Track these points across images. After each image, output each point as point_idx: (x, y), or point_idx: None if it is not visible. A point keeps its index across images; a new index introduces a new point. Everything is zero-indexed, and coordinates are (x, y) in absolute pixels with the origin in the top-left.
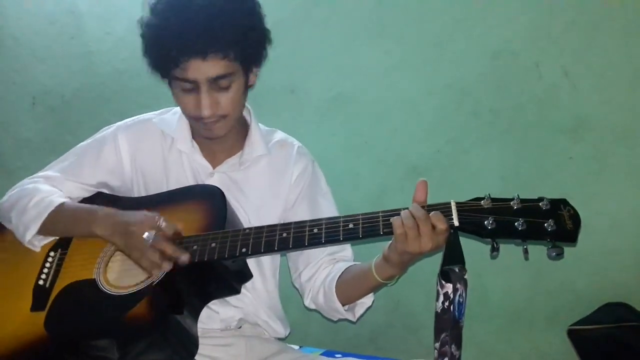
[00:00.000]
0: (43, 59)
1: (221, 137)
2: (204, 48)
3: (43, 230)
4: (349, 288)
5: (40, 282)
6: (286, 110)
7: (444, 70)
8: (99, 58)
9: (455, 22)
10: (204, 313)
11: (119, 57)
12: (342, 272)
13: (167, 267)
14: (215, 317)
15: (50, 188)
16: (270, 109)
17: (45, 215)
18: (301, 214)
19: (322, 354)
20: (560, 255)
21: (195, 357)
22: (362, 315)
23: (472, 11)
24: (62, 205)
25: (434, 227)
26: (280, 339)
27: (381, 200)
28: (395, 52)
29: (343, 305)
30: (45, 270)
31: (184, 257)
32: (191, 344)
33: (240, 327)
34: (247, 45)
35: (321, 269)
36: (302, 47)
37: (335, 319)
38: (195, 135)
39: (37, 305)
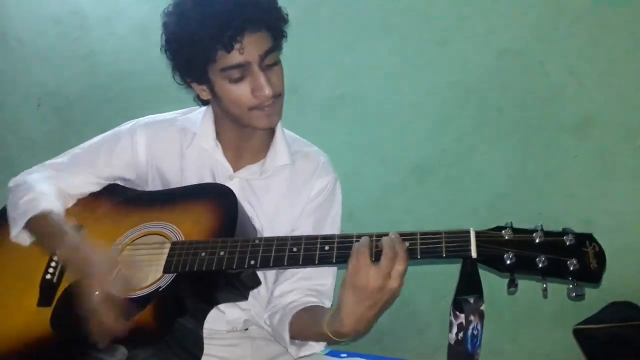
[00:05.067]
0: (47, 60)
1: (277, 123)
2: (261, 17)
3: (29, 228)
4: (302, 326)
5: (48, 277)
6: (289, 110)
7: (448, 70)
8: (103, 59)
9: (460, 21)
10: (210, 313)
11: (122, 57)
12: (305, 307)
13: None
14: (221, 317)
15: (47, 188)
16: None
17: (27, 217)
18: (304, 229)
19: (327, 354)
20: (581, 296)
21: (202, 357)
22: (305, 357)
23: (476, 10)
24: (43, 213)
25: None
26: None
27: (385, 200)
28: (399, 51)
29: (293, 338)
30: (53, 264)
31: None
32: (196, 348)
33: (246, 329)
34: (281, 17)
35: (292, 293)
36: (306, 47)
37: (281, 345)
38: (220, 135)
39: (43, 301)
